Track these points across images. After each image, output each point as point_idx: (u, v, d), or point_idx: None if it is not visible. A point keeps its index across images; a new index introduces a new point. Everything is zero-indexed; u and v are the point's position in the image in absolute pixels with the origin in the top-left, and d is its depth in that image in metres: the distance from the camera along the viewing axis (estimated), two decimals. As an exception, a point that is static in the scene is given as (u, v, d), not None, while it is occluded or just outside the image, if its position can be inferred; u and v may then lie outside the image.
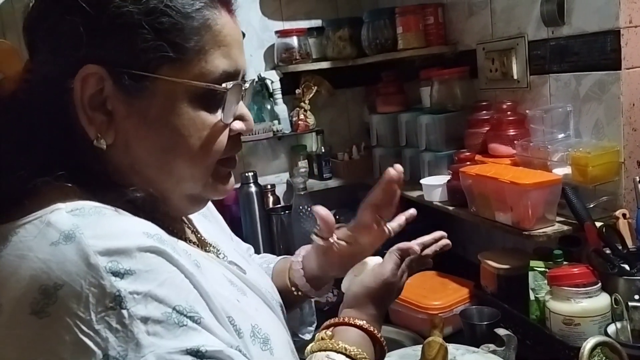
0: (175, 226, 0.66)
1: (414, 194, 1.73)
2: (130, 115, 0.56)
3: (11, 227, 0.50)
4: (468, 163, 1.50)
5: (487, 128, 1.55)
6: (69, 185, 0.53)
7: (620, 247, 1.15)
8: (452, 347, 1.16)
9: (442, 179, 1.61)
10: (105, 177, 0.57)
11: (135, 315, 0.46)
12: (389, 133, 1.96)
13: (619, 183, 1.25)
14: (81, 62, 0.54)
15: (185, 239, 0.66)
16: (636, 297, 1.06)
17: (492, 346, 1.15)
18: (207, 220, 0.81)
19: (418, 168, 1.78)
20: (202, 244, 0.70)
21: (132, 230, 0.50)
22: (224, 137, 0.60)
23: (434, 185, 1.61)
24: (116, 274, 0.46)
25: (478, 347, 1.16)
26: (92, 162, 0.56)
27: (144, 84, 0.55)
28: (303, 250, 0.95)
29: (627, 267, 1.12)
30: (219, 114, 0.59)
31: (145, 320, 0.46)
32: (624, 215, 1.20)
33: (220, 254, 0.72)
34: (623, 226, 1.19)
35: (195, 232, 0.72)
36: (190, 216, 0.73)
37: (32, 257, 0.47)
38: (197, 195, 0.63)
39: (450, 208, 1.54)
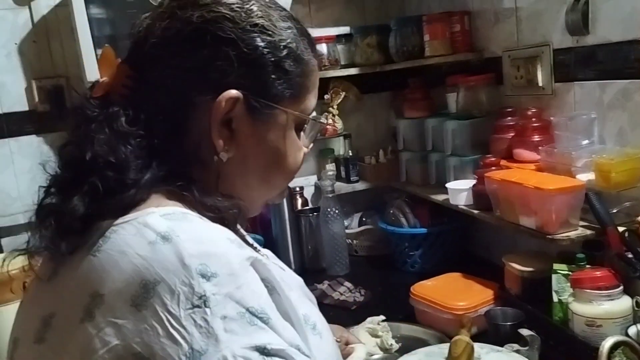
0: (239, 232, 0.73)
1: (440, 197, 1.77)
2: (253, 136, 0.66)
3: (109, 224, 0.56)
4: (493, 168, 1.54)
5: (512, 134, 1.58)
6: (165, 194, 0.61)
7: (642, 252, 1.18)
8: (477, 346, 1.20)
9: (468, 183, 1.64)
10: (205, 185, 0.64)
11: (216, 314, 0.51)
12: (415, 137, 2.00)
13: (643, 189, 1.28)
14: (225, 86, 0.63)
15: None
16: (657, 300, 1.10)
17: (516, 346, 1.19)
18: None
19: (444, 172, 1.82)
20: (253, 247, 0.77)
21: (218, 236, 0.57)
22: (303, 157, 0.74)
23: (460, 190, 1.65)
24: (204, 275, 0.52)
25: (502, 346, 1.20)
26: (196, 171, 0.64)
27: (269, 112, 0.66)
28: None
29: (649, 271, 1.16)
30: (304, 140, 0.73)
31: (223, 318, 0.51)
32: (646, 220, 1.22)
33: (263, 255, 0.77)
34: (646, 231, 1.21)
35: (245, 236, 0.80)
36: None
37: (133, 254, 0.53)
38: (270, 200, 0.75)
39: (476, 212, 1.58)
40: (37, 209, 0.62)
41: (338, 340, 1.00)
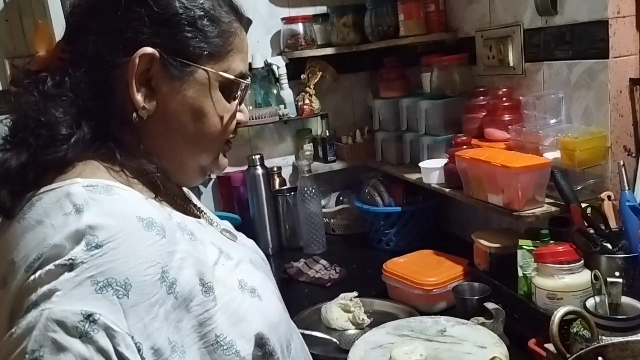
0: (179, 195, 0.76)
1: (413, 176, 1.79)
2: (171, 93, 0.68)
3: (37, 192, 0.59)
4: (465, 147, 1.57)
5: (483, 113, 1.61)
6: (94, 160, 0.64)
7: (603, 227, 1.22)
8: (443, 319, 1.24)
9: (440, 162, 1.67)
10: (132, 147, 0.67)
11: (70, 278, 0.52)
12: (391, 117, 2.02)
13: (606, 167, 1.32)
14: (139, 45, 0.65)
15: (185, 208, 0.76)
16: (617, 273, 1.13)
17: (481, 319, 1.23)
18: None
19: (418, 151, 1.84)
20: (198, 212, 0.80)
21: (130, 212, 0.58)
22: (234, 122, 0.75)
23: (432, 168, 1.67)
24: (88, 244, 0.54)
25: (469, 319, 1.23)
26: (124, 132, 0.67)
27: (186, 70, 0.68)
28: None
29: (609, 245, 1.19)
30: (233, 104, 0.74)
31: (74, 282, 0.52)
32: (609, 197, 1.26)
33: (213, 222, 0.81)
34: (608, 207, 1.25)
35: (192, 202, 0.83)
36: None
37: (48, 224, 0.56)
38: (205, 167, 0.75)
39: (447, 190, 1.61)
40: None
41: None
